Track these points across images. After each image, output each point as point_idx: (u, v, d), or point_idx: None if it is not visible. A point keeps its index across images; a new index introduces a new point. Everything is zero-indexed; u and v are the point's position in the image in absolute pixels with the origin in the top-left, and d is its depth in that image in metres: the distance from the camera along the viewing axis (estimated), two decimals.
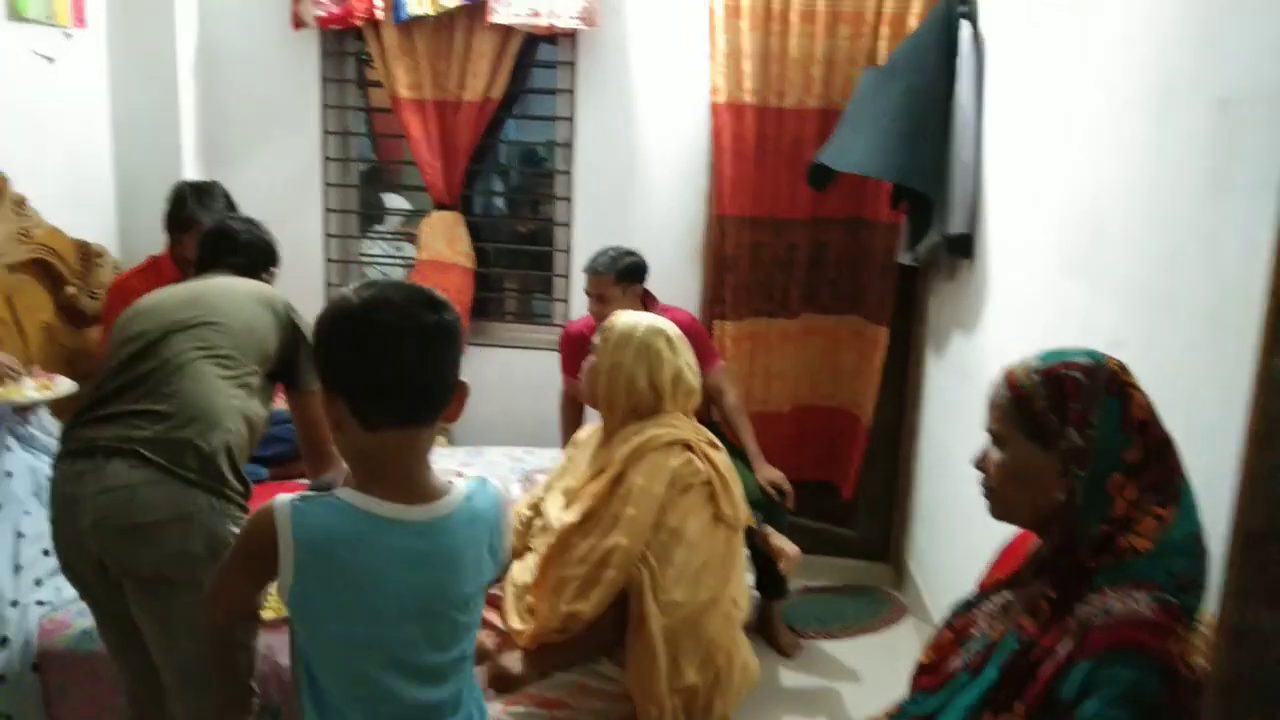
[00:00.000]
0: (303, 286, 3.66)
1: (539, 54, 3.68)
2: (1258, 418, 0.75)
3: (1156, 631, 1.09)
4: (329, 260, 3.82)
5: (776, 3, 3.24)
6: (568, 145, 3.62)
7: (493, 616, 2.06)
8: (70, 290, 3.09)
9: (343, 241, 3.88)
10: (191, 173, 3.52)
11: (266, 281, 2.28)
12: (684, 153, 3.52)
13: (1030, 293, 2.35)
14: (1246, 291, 1.34)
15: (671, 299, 3.31)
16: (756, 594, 2.89)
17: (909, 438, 3.59)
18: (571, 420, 3.23)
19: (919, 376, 3.51)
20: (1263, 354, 0.75)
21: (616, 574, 1.87)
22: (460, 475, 1.46)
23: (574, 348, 3.12)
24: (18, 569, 2.28)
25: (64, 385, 2.59)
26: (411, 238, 3.90)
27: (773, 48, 3.29)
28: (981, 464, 1.30)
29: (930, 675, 1.35)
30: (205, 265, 2.23)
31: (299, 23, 3.50)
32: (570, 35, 3.48)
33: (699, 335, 2.79)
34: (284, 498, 1.31)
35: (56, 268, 3.05)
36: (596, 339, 2.10)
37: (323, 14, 3.43)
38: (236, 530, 1.80)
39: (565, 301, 3.71)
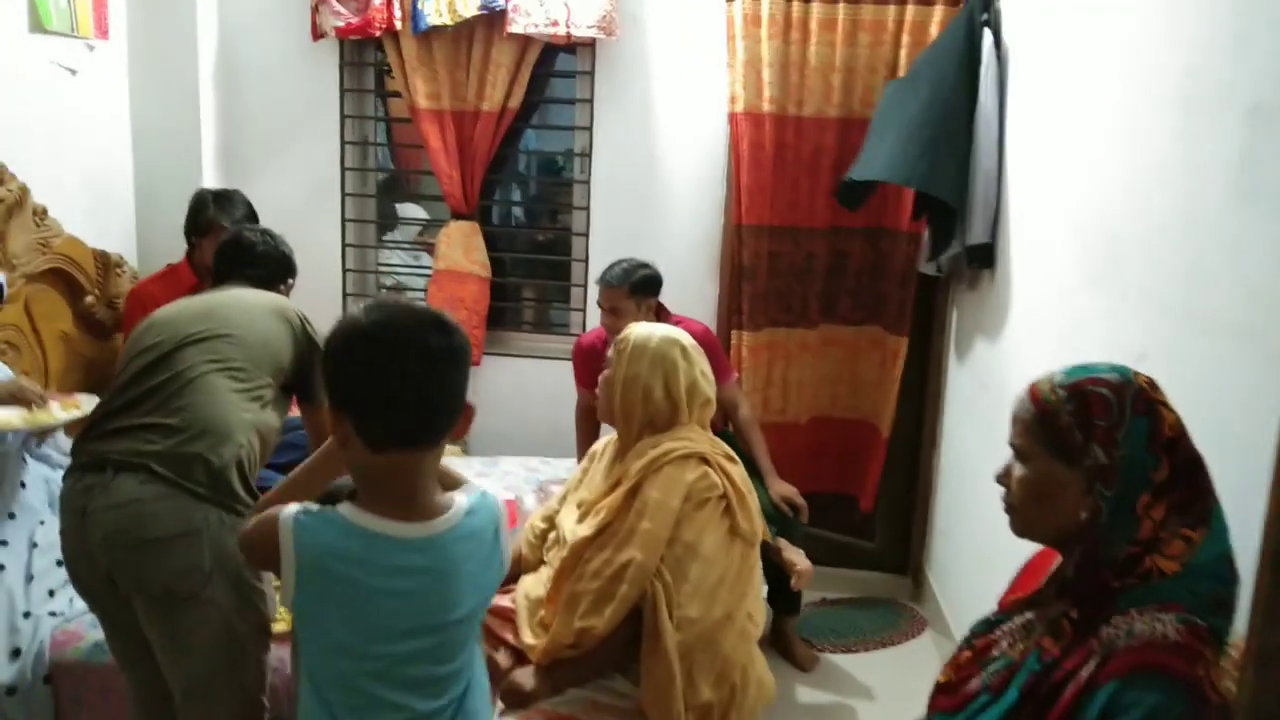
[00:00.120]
0: (320, 296, 3.67)
1: (557, 64, 3.68)
2: None
3: (1183, 654, 1.06)
4: (347, 270, 3.82)
5: (796, 11, 3.22)
6: (585, 155, 3.61)
7: (505, 632, 2.04)
8: (89, 300, 3.10)
9: (361, 251, 3.89)
10: (211, 182, 3.54)
11: (283, 293, 2.28)
12: (702, 162, 3.51)
13: (1052, 303, 2.32)
14: (1275, 304, 1.31)
15: (689, 308, 3.29)
16: (770, 609, 2.85)
17: (929, 448, 3.55)
18: (587, 432, 3.21)
19: (939, 387, 3.48)
20: None
21: (630, 589, 1.85)
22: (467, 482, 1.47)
23: (585, 360, 3.10)
24: (30, 579, 2.28)
25: (89, 403, 2.59)
26: (429, 247, 3.90)
27: (792, 56, 3.26)
28: (1004, 479, 1.27)
29: (949, 696, 1.32)
30: (221, 277, 2.23)
31: (318, 33, 3.51)
32: (589, 45, 3.48)
33: (713, 348, 2.77)
34: (288, 509, 1.33)
35: (75, 277, 3.06)
36: (611, 352, 2.09)
37: (342, 24, 3.44)
38: None
39: (582, 311, 3.70)
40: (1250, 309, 1.40)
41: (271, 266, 2.28)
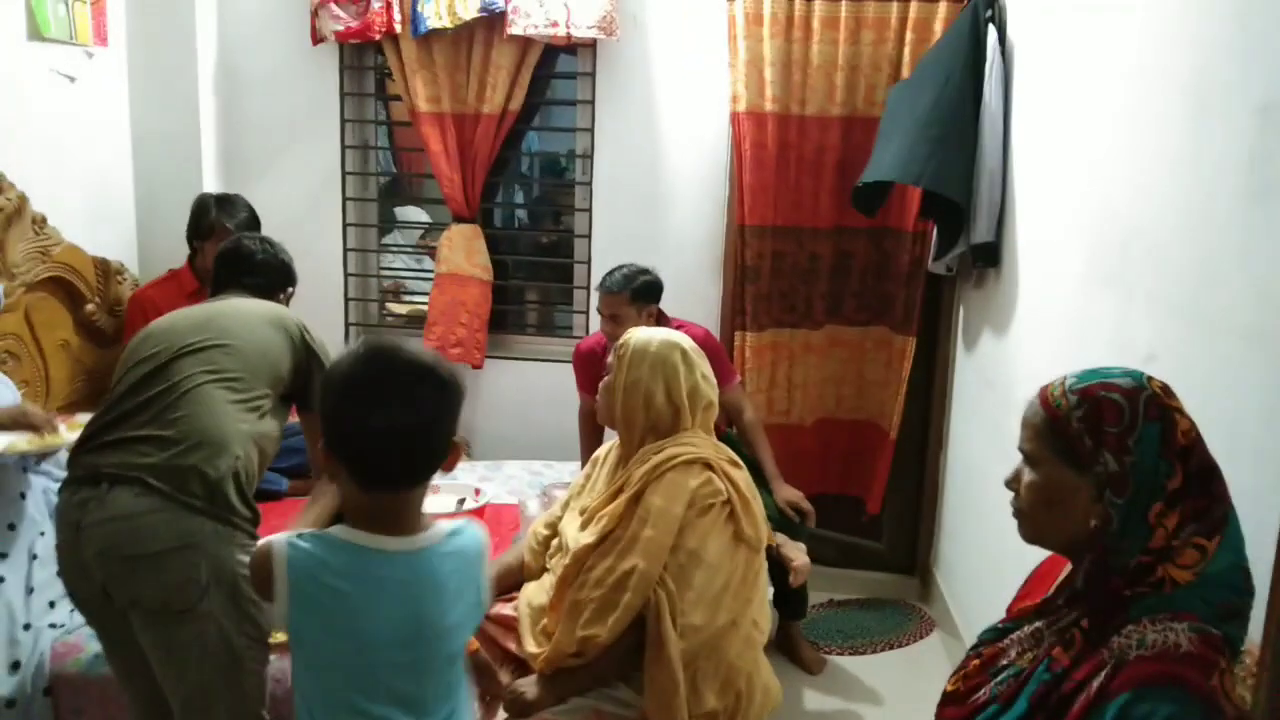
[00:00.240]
0: (322, 301, 3.68)
1: (558, 65, 3.67)
2: None
3: (1196, 664, 1.04)
4: (348, 274, 3.81)
5: (799, 10, 3.20)
6: (587, 156, 3.60)
7: (508, 641, 2.03)
8: (89, 308, 3.10)
9: (362, 255, 3.87)
10: (211, 188, 3.53)
11: (283, 302, 2.27)
12: (704, 162, 3.49)
13: (1059, 303, 2.30)
14: None
15: (691, 309, 3.27)
16: (775, 612, 2.83)
17: (935, 448, 3.53)
18: (590, 437, 3.18)
19: (946, 387, 3.46)
20: None
21: (634, 597, 1.83)
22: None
23: (586, 365, 3.08)
24: (30, 591, 2.26)
25: None
26: (431, 251, 3.89)
27: (795, 55, 3.24)
28: (1013, 484, 1.25)
29: (956, 706, 1.30)
30: (220, 285, 2.22)
31: (318, 37, 3.50)
32: (589, 45, 3.47)
33: (714, 351, 2.74)
34: (280, 538, 1.41)
35: (76, 286, 3.05)
36: (611, 358, 2.07)
37: (341, 28, 3.43)
38: (243, 558, 1.77)
39: (585, 314, 3.69)
40: (1260, 310, 1.37)
41: (271, 275, 2.26)
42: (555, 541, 2.11)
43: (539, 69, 3.49)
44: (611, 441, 2.21)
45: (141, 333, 2.00)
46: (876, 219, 3.34)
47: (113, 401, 1.89)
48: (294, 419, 2.17)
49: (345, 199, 3.75)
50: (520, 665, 1.99)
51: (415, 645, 1.41)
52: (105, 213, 3.40)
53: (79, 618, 2.24)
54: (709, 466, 1.96)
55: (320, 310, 3.57)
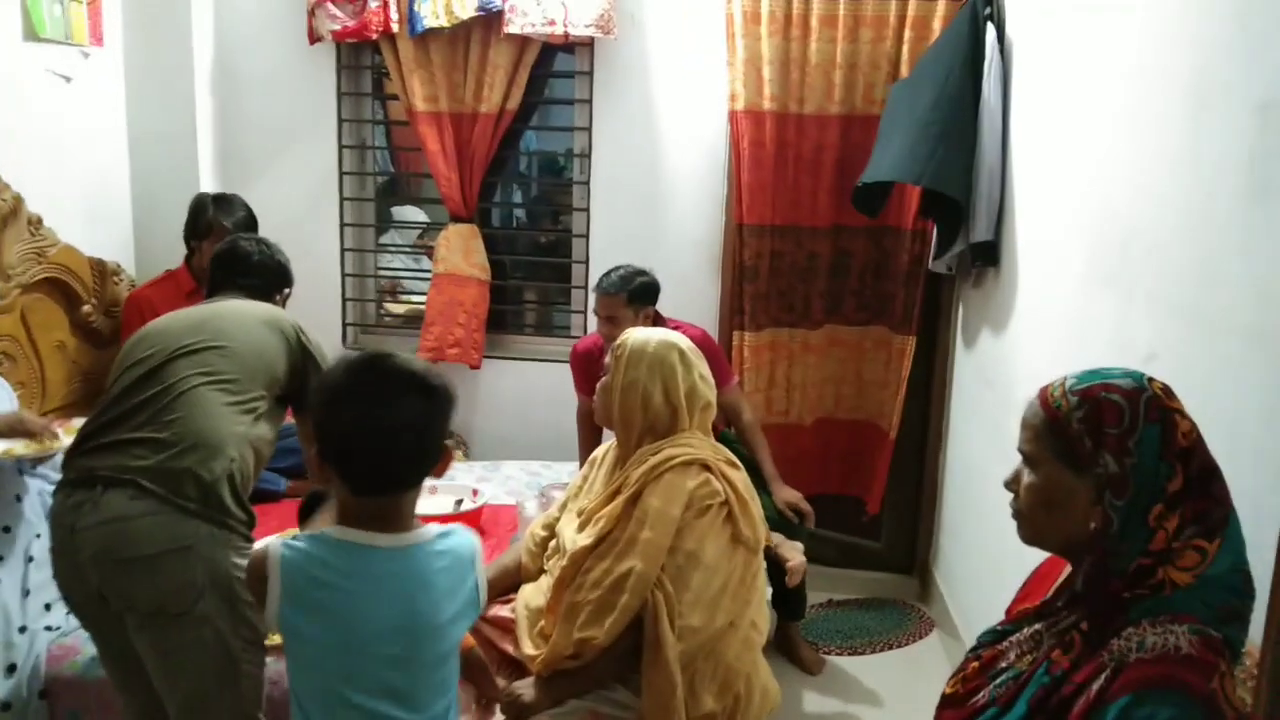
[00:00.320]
0: (320, 301, 3.67)
1: (556, 64, 3.66)
2: None
3: (1196, 667, 1.03)
4: (346, 274, 3.80)
5: (797, 7, 3.19)
6: (585, 156, 3.59)
7: (505, 643, 2.02)
8: (86, 309, 3.08)
9: (360, 255, 3.86)
10: (208, 188, 3.51)
11: (279, 303, 2.26)
12: (702, 161, 3.49)
13: (1059, 302, 2.29)
14: None
15: (689, 309, 3.26)
16: (774, 613, 2.83)
17: (934, 447, 3.52)
18: (588, 438, 3.17)
19: (945, 387, 3.45)
20: None
21: (631, 599, 1.82)
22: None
23: (583, 366, 3.08)
24: (26, 593, 2.25)
25: None
26: (429, 251, 3.88)
27: (793, 53, 3.24)
28: (1013, 485, 1.24)
29: (955, 709, 1.29)
30: (217, 287, 2.21)
31: (315, 37, 3.49)
32: (587, 44, 3.46)
33: (712, 352, 2.73)
34: (276, 540, 1.45)
35: (72, 287, 3.04)
36: (609, 359, 2.06)
37: (338, 28, 3.42)
38: (239, 561, 1.77)
39: (583, 313, 3.67)
40: (1260, 309, 1.37)
41: (267, 276, 2.25)
42: (553, 543, 2.10)
43: (536, 68, 3.48)
44: (609, 442, 2.20)
45: (136, 334, 2.00)
46: (875, 218, 3.33)
47: (107, 404, 1.88)
48: (291, 420, 2.17)
49: (343, 199, 3.75)
50: (517, 667, 1.99)
51: (406, 638, 1.43)
52: (102, 213, 3.39)
53: (75, 620, 2.23)
54: (707, 467, 1.95)
55: (318, 310, 3.56)
